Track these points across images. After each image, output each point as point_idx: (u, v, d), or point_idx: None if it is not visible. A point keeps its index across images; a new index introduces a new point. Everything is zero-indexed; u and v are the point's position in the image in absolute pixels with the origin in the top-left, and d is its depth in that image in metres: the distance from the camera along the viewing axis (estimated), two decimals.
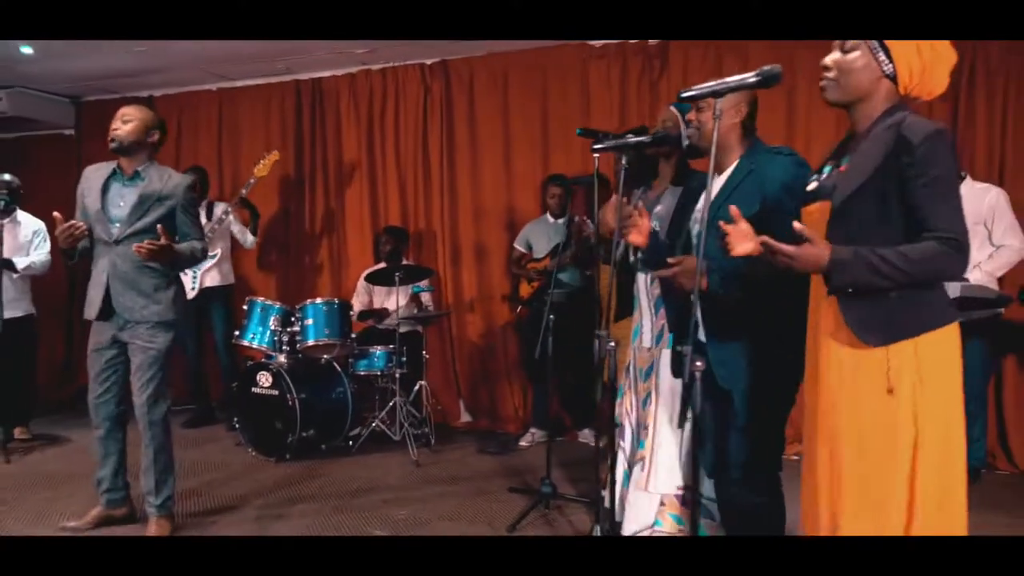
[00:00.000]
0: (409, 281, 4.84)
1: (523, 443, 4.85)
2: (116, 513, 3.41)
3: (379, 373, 4.78)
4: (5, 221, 4.77)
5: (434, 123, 5.56)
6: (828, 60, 1.89)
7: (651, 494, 2.76)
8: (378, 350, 4.77)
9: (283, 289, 6.03)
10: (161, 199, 3.20)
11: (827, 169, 1.97)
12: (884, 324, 1.78)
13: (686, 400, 2.01)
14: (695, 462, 2.08)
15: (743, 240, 1.96)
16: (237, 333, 4.77)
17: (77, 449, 4.78)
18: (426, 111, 5.57)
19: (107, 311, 3.21)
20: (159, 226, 3.08)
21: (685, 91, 1.97)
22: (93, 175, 3.30)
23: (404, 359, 4.71)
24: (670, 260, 2.25)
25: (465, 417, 5.55)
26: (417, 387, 4.90)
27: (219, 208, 5.46)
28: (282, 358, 4.59)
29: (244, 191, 5.30)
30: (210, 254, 5.38)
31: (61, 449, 4.87)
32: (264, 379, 4.52)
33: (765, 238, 1.83)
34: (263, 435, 4.55)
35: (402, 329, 4.93)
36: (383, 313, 5.05)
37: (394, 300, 5.24)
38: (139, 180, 3.23)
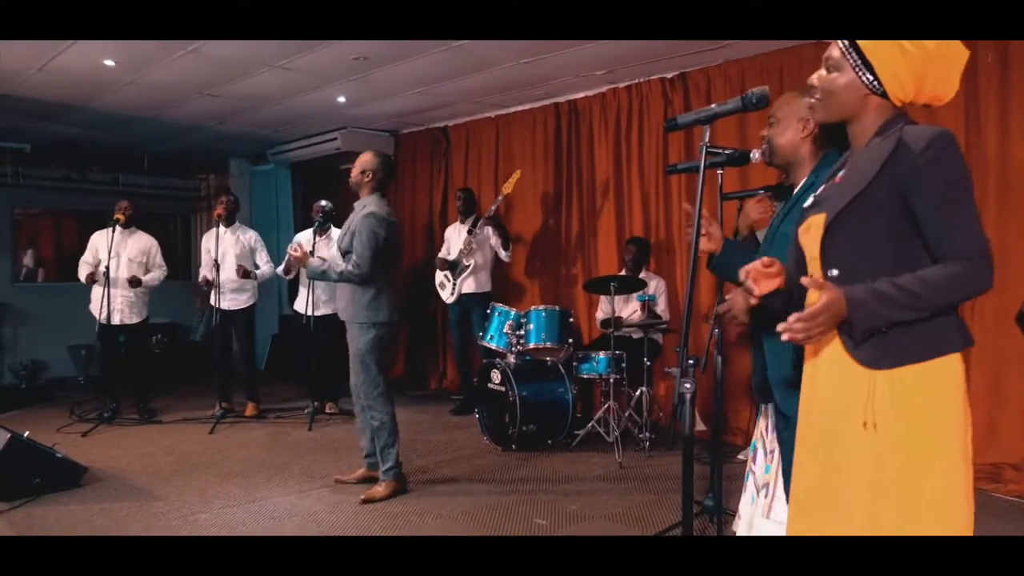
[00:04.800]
0: (623, 292, 5.04)
1: (741, 456, 4.76)
2: (375, 474, 4.16)
3: (599, 377, 5.06)
4: (320, 238, 6.03)
5: (675, 135, 5.65)
6: (814, 78, 1.78)
7: (774, 522, 2.71)
8: (601, 355, 5.05)
9: (545, 297, 6.55)
10: (350, 225, 3.97)
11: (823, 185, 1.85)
12: (878, 346, 1.62)
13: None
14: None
15: (766, 279, 1.76)
16: (481, 334, 5.42)
17: None
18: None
19: None
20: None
21: (671, 120, 2.01)
22: None
23: (624, 365, 4.94)
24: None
25: (700, 426, 5.55)
26: (638, 393, 5.09)
27: (479, 223, 6.19)
28: (511, 358, 5.12)
29: (493, 208, 5.94)
30: (465, 263, 6.12)
31: (354, 424, 5.93)
32: (496, 376, 5.09)
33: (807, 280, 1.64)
34: (495, 426, 5.12)
35: (636, 336, 5.15)
36: (619, 321, 5.31)
37: (629, 309, 5.51)
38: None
